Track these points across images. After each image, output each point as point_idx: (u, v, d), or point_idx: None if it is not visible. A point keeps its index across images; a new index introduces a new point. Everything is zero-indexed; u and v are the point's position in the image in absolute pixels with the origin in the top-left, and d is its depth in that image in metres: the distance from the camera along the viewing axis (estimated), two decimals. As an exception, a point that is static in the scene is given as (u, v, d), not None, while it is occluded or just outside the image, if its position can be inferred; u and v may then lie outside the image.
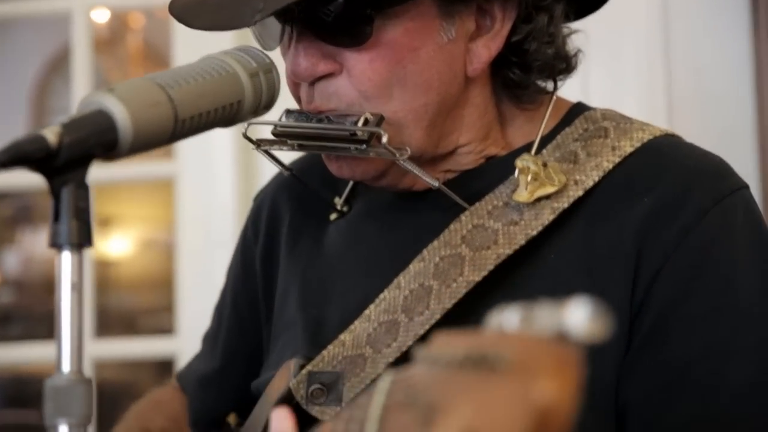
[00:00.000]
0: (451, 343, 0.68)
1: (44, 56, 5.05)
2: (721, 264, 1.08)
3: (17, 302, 5.35)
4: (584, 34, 1.24)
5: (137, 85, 0.94)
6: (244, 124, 1.16)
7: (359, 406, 0.80)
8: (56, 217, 0.86)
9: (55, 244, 0.86)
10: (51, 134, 0.85)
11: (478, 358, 0.63)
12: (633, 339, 1.07)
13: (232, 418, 1.36)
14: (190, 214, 2.66)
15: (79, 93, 2.73)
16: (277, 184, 1.37)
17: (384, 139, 1.08)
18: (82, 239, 0.86)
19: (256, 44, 1.13)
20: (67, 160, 0.86)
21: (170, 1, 1.11)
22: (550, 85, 1.22)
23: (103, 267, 5.57)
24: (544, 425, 0.58)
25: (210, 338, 1.43)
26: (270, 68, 1.06)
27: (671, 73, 2.27)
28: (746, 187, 1.14)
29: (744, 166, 1.15)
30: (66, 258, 0.86)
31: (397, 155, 1.10)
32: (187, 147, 2.65)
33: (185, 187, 2.66)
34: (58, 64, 4.94)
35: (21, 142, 0.84)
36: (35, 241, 5.45)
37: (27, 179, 2.98)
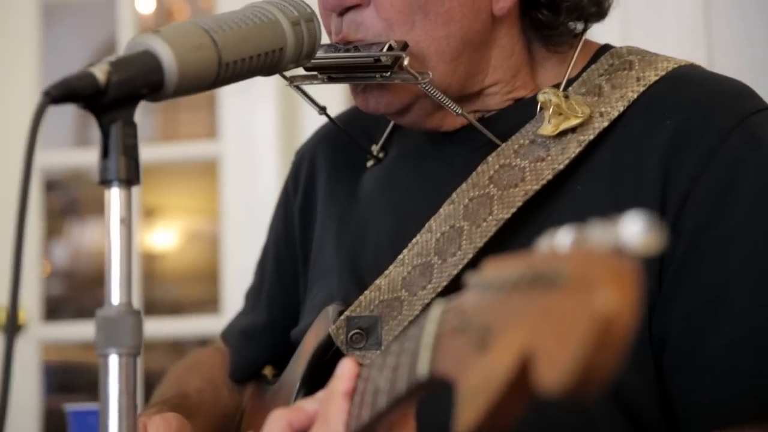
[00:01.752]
0: (503, 267, 0.67)
1: (91, 47, 5.11)
2: (750, 181, 1.07)
3: (66, 294, 5.42)
4: None
5: (183, 28, 0.97)
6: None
7: (410, 337, 0.80)
8: (105, 153, 0.89)
9: (104, 180, 0.89)
10: (99, 72, 0.88)
11: (535, 276, 0.62)
12: (665, 266, 1.07)
13: (268, 370, 1.38)
14: (233, 200, 2.68)
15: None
16: (317, 138, 1.40)
17: (405, 62, 1.11)
18: (131, 175, 0.89)
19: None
20: (115, 97, 0.88)
21: None
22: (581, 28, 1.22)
23: (149, 260, 5.61)
24: (607, 334, 0.57)
25: (252, 294, 1.46)
26: (311, 17, 1.08)
27: (712, 44, 2.26)
28: None
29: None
30: (115, 193, 0.89)
31: (419, 78, 1.12)
32: (230, 128, 2.68)
33: (228, 169, 2.69)
34: (105, 55, 4.97)
35: (71, 79, 0.87)
36: (83, 234, 5.52)
37: (75, 165, 3.02)
